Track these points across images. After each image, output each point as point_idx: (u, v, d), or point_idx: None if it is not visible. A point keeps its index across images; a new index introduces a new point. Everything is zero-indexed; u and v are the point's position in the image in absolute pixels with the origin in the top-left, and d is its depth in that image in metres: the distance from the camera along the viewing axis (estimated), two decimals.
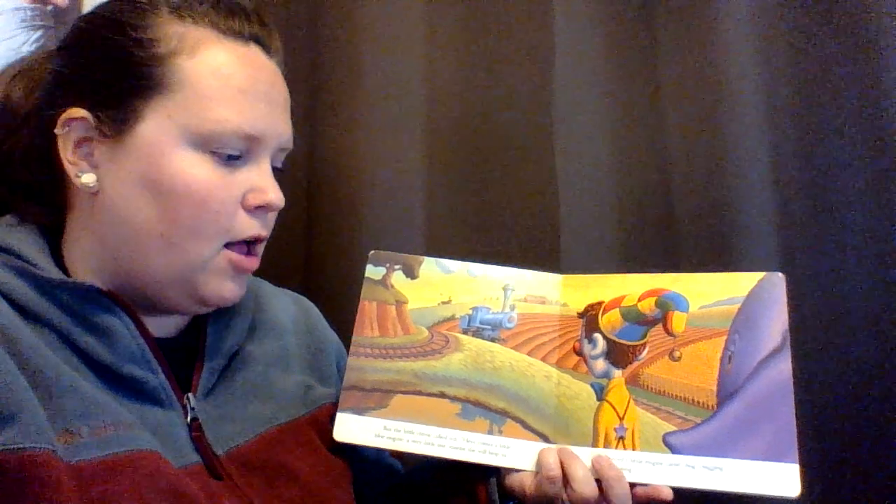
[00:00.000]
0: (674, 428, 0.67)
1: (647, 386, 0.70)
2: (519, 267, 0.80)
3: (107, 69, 0.63)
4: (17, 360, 0.56)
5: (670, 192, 1.06)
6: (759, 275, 0.71)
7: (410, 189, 1.07)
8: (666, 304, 0.72)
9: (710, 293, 0.71)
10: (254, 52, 0.67)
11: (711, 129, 1.03)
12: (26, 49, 1.14)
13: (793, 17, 1.04)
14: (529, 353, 0.74)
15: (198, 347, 0.69)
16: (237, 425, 0.67)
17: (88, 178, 0.63)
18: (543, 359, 0.74)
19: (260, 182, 0.66)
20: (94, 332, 0.61)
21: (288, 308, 0.82)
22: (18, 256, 0.62)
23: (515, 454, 0.70)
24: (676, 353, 0.70)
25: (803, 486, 0.98)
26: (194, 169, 0.62)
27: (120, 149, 0.62)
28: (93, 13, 0.67)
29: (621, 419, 0.69)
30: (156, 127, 0.62)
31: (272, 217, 0.69)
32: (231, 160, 0.64)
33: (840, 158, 1.03)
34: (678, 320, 0.71)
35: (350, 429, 0.73)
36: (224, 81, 0.63)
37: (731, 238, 1.01)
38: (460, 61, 1.10)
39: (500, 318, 0.76)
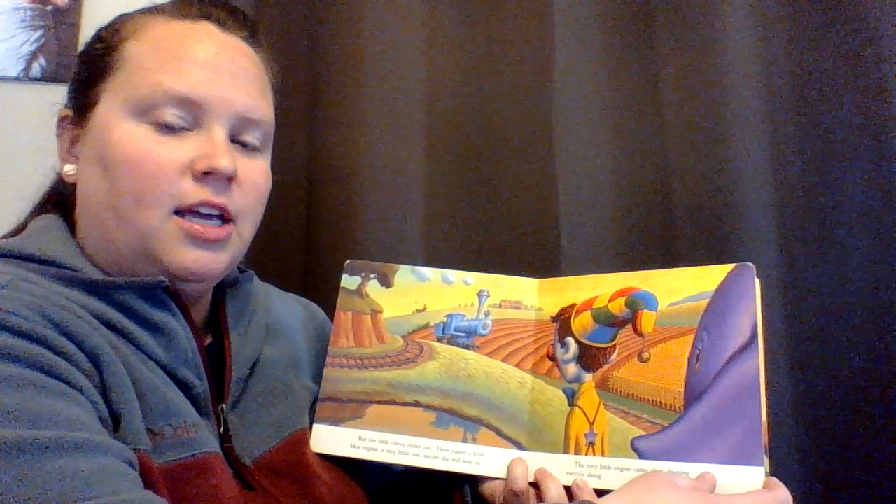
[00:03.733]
0: (641, 432, 0.66)
1: (617, 389, 0.69)
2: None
3: (79, 69, 0.69)
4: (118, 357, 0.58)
5: (670, 192, 1.06)
6: (728, 267, 0.67)
7: (410, 189, 1.07)
8: (635, 304, 0.70)
9: (679, 289, 0.68)
10: (203, 27, 0.67)
11: (711, 129, 1.03)
12: (26, 49, 1.14)
13: (793, 17, 1.04)
14: (504, 360, 0.74)
15: (217, 357, 0.69)
16: (262, 432, 0.68)
17: (68, 168, 0.67)
18: (518, 365, 0.73)
19: (207, 148, 0.64)
20: (152, 332, 0.62)
21: (296, 312, 0.83)
22: (62, 265, 0.62)
23: (489, 462, 0.70)
24: (645, 354, 0.68)
25: (804, 486, 0.98)
26: (132, 137, 0.63)
27: (85, 135, 0.66)
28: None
29: (591, 424, 0.68)
30: (106, 106, 0.65)
31: (249, 194, 0.67)
32: (173, 129, 0.63)
33: (840, 158, 1.02)
34: (647, 320, 0.69)
35: (326, 440, 0.73)
36: (161, 52, 0.65)
37: (731, 238, 1.01)
38: (460, 61, 1.10)
39: (475, 325, 0.75)
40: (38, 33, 1.15)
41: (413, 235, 1.07)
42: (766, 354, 0.67)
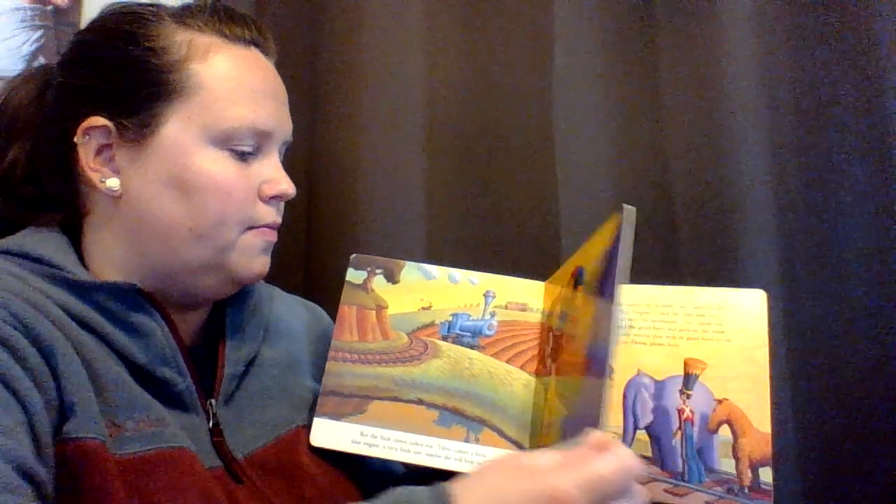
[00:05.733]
0: (566, 411, 0.65)
1: (561, 372, 0.69)
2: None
3: (126, 79, 0.66)
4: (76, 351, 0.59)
5: (670, 192, 1.06)
6: (618, 217, 0.63)
7: (410, 189, 1.07)
8: (576, 281, 0.71)
9: (596, 254, 0.66)
10: (255, 54, 0.71)
11: (711, 129, 1.03)
12: (26, 49, 1.14)
13: (793, 17, 1.04)
14: (508, 361, 0.74)
15: (216, 355, 0.71)
16: (256, 429, 0.70)
17: (113, 183, 0.66)
18: (522, 367, 0.73)
19: (273, 174, 0.70)
20: (129, 332, 0.64)
21: (300, 315, 0.84)
22: (50, 264, 0.64)
23: None
24: (573, 329, 0.69)
25: (805, 489, 0.98)
26: (216, 165, 0.66)
27: (143, 152, 0.66)
28: (98, 26, 0.71)
29: (550, 413, 0.69)
30: (178, 129, 0.66)
31: (282, 204, 0.73)
32: (246, 155, 0.68)
33: (840, 158, 1.02)
34: (581, 294, 0.69)
35: (326, 434, 0.72)
36: (236, 83, 0.67)
37: (732, 239, 1.01)
38: (460, 61, 1.10)
39: (480, 326, 0.76)
40: (38, 33, 1.15)
41: (413, 235, 1.07)
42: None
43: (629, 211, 0.62)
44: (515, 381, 0.73)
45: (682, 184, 1.05)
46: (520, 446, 0.70)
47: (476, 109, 1.09)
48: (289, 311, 0.83)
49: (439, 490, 0.51)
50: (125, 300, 0.64)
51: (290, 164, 1.09)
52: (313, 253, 1.10)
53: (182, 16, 0.69)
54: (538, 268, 1.00)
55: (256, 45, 0.71)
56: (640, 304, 0.73)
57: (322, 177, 1.09)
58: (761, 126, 1.03)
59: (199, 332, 0.74)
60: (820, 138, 1.03)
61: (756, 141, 1.02)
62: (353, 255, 0.81)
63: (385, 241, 1.05)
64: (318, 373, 0.79)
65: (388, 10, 1.08)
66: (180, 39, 0.67)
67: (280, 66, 0.74)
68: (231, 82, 0.67)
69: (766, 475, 0.64)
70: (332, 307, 0.87)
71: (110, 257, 0.68)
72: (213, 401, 0.68)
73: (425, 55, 1.09)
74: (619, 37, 1.09)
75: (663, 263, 1.04)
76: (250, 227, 0.69)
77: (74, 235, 0.69)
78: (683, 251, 1.04)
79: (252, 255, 0.69)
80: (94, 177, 0.66)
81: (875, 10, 1.00)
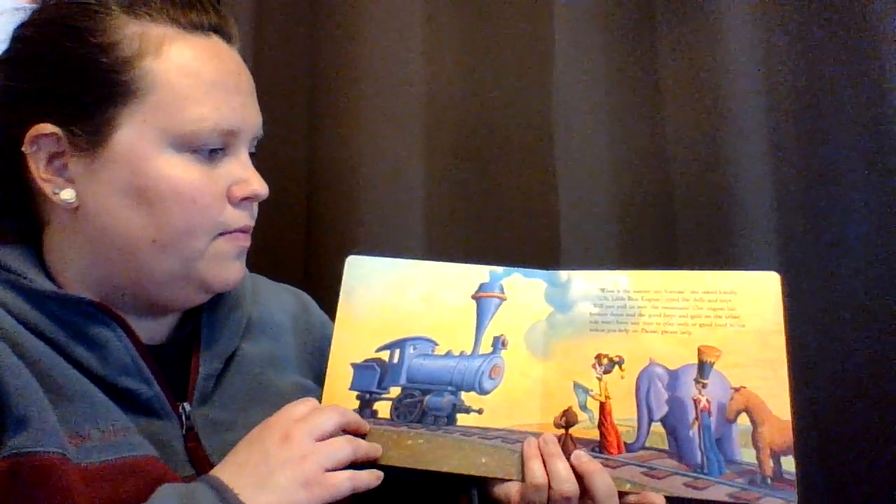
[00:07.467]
0: None
1: None
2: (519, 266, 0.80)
3: (73, 81, 0.61)
4: (27, 363, 0.57)
5: (670, 191, 1.06)
6: None
7: (410, 189, 1.07)
8: None
9: None
10: (216, 43, 0.65)
11: (711, 129, 1.03)
12: None
13: (793, 17, 1.04)
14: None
15: (191, 352, 0.68)
16: (236, 432, 0.65)
17: (67, 195, 0.61)
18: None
19: (242, 174, 0.65)
20: (86, 344, 0.61)
21: (286, 305, 0.81)
22: (7, 270, 0.62)
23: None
24: None
25: (805, 486, 0.98)
26: (178, 170, 0.61)
27: (97, 160, 0.61)
28: (39, 20, 0.64)
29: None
30: (133, 134, 0.60)
31: (255, 206, 0.68)
32: (211, 154, 0.63)
33: (840, 158, 1.02)
34: None
35: None
36: (195, 79, 0.62)
37: (731, 237, 1.01)
38: (460, 62, 1.10)
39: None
40: None
41: (413, 235, 1.07)
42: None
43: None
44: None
45: (682, 183, 1.05)
46: None
47: (476, 109, 1.09)
48: (273, 301, 0.79)
49: (207, 477, 0.56)
50: (78, 311, 0.61)
51: (291, 164, 1.10)
52: (313, 252, 1.10)
53: (132, 4, 0.62)
54: (538, 267, 1.00)
55: (217, 31, 0.65)
56: (649, 291, 0.71)
57: (322, 176, 1.09)
58: (761, 125, 1.03)
59: (171, 332, 0.70)
60: (820, 138, 1.03)
61: (756, 140, 1.02)
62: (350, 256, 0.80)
63: (384, 242, 1.05)
64: (304, 366, 0.77)
65: (388, 11, 1.08)
66: (131, 33, 0.60)
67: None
68: (189, 78, 0.61)
69: (789, 464, 0.62)
70: (332, 306, 0.87)
71: (74, 269, 0.64)
72: (185, 404, 0.65)
73: (425, 56, 1.09)
74: (619, 37, 1.09)
75: (662, 263, 1.04)
76: (221, 234, 0.64)
77: (37, 246, 0.65)
78: (682, 251, 1.05)
79: (224, 263, 0.65)
80: (47, 188, 0.61)
81: (875, 10, 1.00)
